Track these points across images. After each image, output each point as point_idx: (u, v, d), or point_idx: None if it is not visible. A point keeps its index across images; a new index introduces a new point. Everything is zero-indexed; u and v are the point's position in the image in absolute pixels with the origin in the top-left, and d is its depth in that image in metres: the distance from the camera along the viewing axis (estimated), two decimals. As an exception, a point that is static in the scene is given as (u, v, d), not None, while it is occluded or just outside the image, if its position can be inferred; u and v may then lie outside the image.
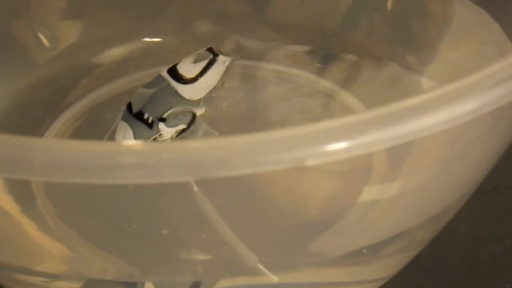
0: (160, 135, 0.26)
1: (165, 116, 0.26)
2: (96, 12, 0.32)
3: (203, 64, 0.27)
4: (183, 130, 0.26)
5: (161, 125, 0.26)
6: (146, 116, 0.26)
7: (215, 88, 0.27)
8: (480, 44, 0.27)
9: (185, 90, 0.26)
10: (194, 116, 0.26)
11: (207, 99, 0.27)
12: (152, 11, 0.33)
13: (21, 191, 0.19)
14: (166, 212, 0.19)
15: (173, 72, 0.27)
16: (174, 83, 0.26)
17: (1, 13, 0.31)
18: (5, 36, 0.31)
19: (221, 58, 0.26)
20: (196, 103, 0.26)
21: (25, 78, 0.30)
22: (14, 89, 0.30)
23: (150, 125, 0.26)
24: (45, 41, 0.31)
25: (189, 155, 0.15)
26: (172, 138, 0.26)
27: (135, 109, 0.26)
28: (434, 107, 0.15)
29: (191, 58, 0.27)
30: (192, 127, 0.26)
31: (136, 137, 0.26)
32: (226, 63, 0.27)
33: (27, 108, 0.30)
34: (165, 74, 0.27)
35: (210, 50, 0.27)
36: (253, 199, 0.19)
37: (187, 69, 0.27)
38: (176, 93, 0.26)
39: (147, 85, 0.27)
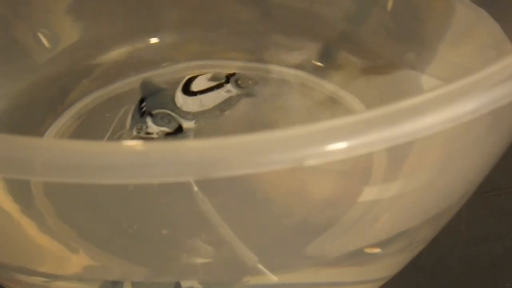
0: (146, 127, 0.26)
1: (154, 112, 0.26)
2: (96, 12, 0.32)
3: (212, 83, 0.27)
4: (169, 134, 0.26)
5: (148, 119, 0.26)
6: (143, 104, 0.26)
7: (211, 112, 0.27)
8: (480, 44, 0.27)
9: (180, 99, 0.27)
10: (180, 126, 0.26)
11: (199, 117, 0.27)
12: (152, 11, 0.33)
13: (21, 191, 0.19)
14: (166, 212, 0.19)
15: (188, 80, 0.27)
16: (178, 88, 0.27)
17: (1, 13, 0.31)
18: (5, 36, 0.31)
19: (227, 86, 0.27)
20: (185, 114, 0.26)
21: (25, 78, 0.30)
22: (14, 89, 0.30)
23: (142, 114, 0.26)
24: (45, 41, 0.31)
25: (189, 155, 0.15)
26: (158, 136, 0.26)
27: (141, 94, 0.27)
28: (434, 107, 0.15)
29: (209, 75, 0.27)
30: (179, 136, 0.26)
31: (131, 118, 0.27)
32: (230, 94, 0.27)
33: (27, 108, 0.30)
34: (185, 78, 0.27)
35: (229, 75, 0.27)
36: (253, 199, 0.19)
37: (198, 82, 0.27)
38: (173, 97, 0.27)
39: (168, 80, 0.28)
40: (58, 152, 0.15)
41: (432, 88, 0.16)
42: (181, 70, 0.31)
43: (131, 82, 0.31)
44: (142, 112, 0.27)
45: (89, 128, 0.29)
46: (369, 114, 0.15)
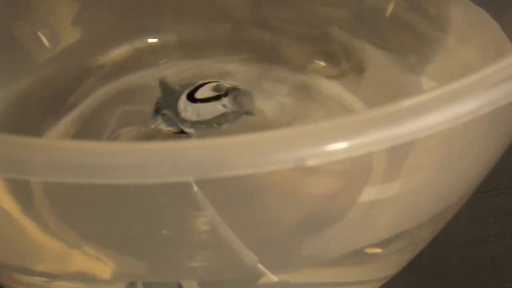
0: (157, 124, 0.27)
1: (163, 112, 0.27)
2: (96, 12, 0.32)
3: (212, 94, 0.27)
4: (176, 133, 0.27)
5: (159, 117, 0.27)
6: (158, 102, 0.27)
7: (208, 124, 0.27)
8: (480, 44, 0.27)
9: (182, 104, 0.27)
10: (182, 131, 0.27)
11: (197, 127, 0.27)
12: (152, 11, 0.33)
13: (21, 191, 0.19)
14: (166, 212, 0.19)
15: (198, 86, 0.27)
16: (185, 92, 0.27)
17: (1, 13, 0.31)
18: (6, 36, 0.31)
19: (224, 100, 0.27)
20: (183, 121, 0.27)
21: (26, 78, 0.30)
22: (15, 89, 0.30)
23: (155, 111, 0.27)
24: (45, 41, 0.31)
25: (189, 155, 0.15)
26: (167, 133, 0.27)
27: (161, 93, 0.28)
28: (434, 107, 0.15)
29: (213, 84, 0.27)
30: (183, 136, 0.27)
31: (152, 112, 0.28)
32: (225, 109, 0.27)
33: (27, 108, 0.30)
34: (197, 83, 0.28)
35: (230, 89, 0.27)
36: (253, 199, 0.19)
37: (203, 90, 0.27)
38: (179, 100, 0.27)
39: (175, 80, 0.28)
40: (58, 152, 0.15)
41: (432, 88, 0.16)
42: (181, 71, 0.31)
43: (131, 82, 0.31)
44: (155, 109, 0.27)
45: (89, 128, 0.29)
46: (369, 114, 0.15)
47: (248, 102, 0.27)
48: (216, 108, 0.27)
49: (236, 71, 0.31)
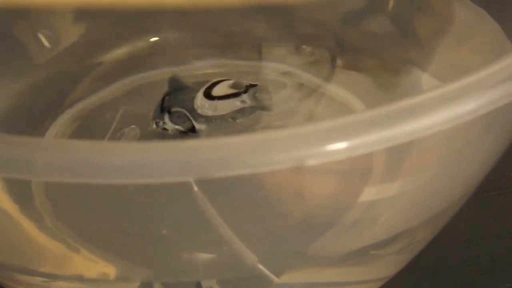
0: (163, 123, 0.27)
1: (172, 110, 0.27)
2: (97, 12, 0.32)
3: (230, 91, 0.27)
4: (183, 133, 0.27)
5: (166, 116, 0.27)
6: (165, 100, 0.27)
7: (222, 119, 0.27)
8: (480, 44, 0.27)
9: (199, 101, 0.27)
10: (194, 127, 0.26)
11: (210, 122, 0.27)
12: (152, 11, 0.33)
13: (21, 191, 0.19)
14: (166, 212, 0.19)
15: (213, 84, 0.27)
16: (201, 90, 0.27)
17: (2, 13, 0.31)
18: (6, 36, 0.31)
19: (243, 96, 0.27)
20: (198, 117, 0.27)
21: (26, 78, 0.30)
22: (15, 89, 0.30)
23: (162, 109, 0.27)
24: (45, 42, 0.31)
25: (189, 155, 0.15)
26: (173, 133, 0.27)
27: (168, 89, 0.28)
28: (434, 107, 0.15)
29: (231, 82, 0.27)
30: (191, 135, 0.26)
31: (154, 111, 0.27)
32: (244, 105, 0.27)
33: (27, 108, 0.30)
34: (212, 81, 0.28)
35: (250, 86, 0.27)
36: (253, 199, 0.19)
37: (219, 88, 0.27)
38: (194, 97, 0.27)
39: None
40: (58, 152, 0.15)
41: (432, 88, 0.16)
42: (182, 70, 0.31)
43: (132, 82, 0.31)
44: (162, 108, 0.27)
45: (89, 128, 0.29)
46: (369, 114, 0.15)
47: (265, 98, 0.27)
48: (234, 104, 0.27)
49: (236, 69, 0.31)
